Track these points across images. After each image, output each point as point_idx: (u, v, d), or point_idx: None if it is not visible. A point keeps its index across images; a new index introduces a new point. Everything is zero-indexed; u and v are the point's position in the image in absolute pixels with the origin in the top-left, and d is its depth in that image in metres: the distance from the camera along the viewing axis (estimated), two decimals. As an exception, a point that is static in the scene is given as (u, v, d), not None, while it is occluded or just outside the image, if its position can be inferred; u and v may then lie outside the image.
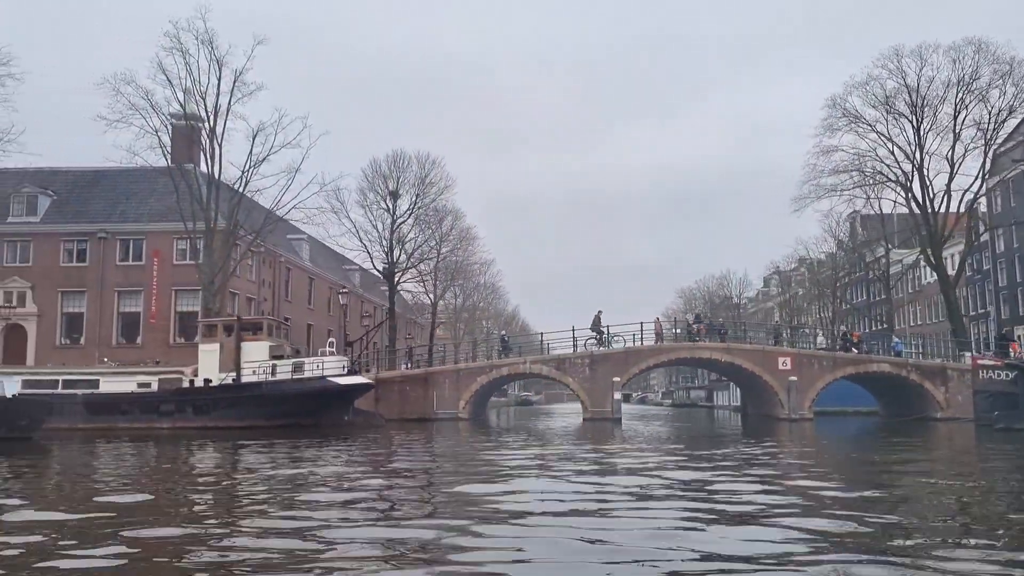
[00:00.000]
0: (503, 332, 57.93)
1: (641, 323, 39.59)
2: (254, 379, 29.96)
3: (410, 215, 48.16)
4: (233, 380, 30.15)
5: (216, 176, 37.68)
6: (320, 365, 30.28)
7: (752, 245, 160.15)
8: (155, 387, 29.03)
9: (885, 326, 49.79)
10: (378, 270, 48.61)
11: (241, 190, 37.15)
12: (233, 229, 36.67)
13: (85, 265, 42.79)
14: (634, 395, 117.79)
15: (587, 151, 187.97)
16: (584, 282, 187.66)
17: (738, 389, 61.30)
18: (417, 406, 34.57)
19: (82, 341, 42.21)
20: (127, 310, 42.96)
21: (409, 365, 42.44)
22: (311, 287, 54.86)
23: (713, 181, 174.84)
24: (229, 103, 37.55)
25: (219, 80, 37.42)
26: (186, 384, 30.44)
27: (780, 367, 35.19)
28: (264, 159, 36.85)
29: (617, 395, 33.95)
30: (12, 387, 22.86)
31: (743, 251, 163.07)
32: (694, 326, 41.67)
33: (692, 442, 22.60)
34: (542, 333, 43.44)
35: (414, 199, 48.25)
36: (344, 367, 30.95)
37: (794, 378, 34.60)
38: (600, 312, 38.79)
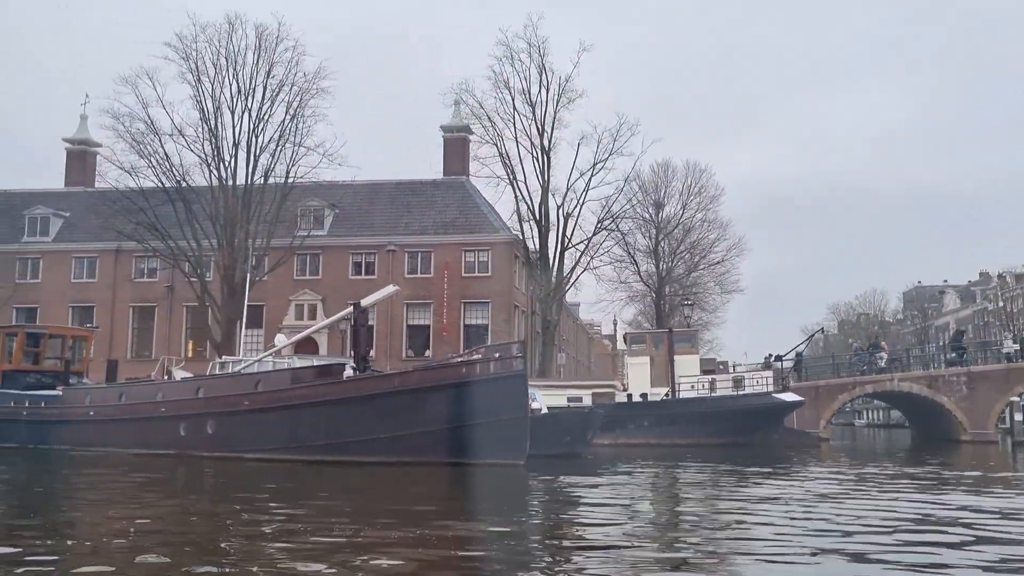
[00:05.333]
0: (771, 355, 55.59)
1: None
2: (693, 394, 28.77)
3: (677, 226, 46.73)
4: (667, 395, 28.98)
5: (545, 186, 36.82)
6: (764, 381, 28.87)
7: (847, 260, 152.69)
8: (587, 401, 27.95)
9: None
10: (644, 283, 47.21)
11: (580, 200, 36.28)
12: (564, 239, 35.84)
13: (373, 278, 42.54)
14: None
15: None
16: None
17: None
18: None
19: (373, 354, 41.85)
20: (414, 323, 42.62)
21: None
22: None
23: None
24: (556, 111, 36.74)
25: (547, 88, 36.61)
26: (622, 399, 29.33)
27: None
28: (601, 165, 35.88)
29: (1019, 416, 31.73)
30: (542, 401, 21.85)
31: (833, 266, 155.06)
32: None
33: None
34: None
35: (679, 210, 46.89)
36: (772, 382, 29.44)
37: None
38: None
